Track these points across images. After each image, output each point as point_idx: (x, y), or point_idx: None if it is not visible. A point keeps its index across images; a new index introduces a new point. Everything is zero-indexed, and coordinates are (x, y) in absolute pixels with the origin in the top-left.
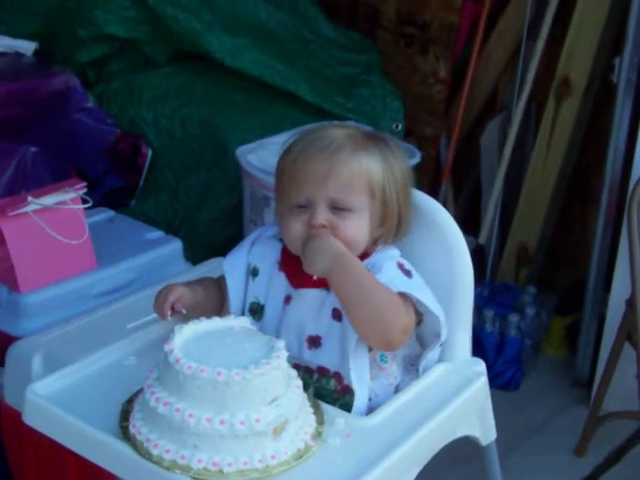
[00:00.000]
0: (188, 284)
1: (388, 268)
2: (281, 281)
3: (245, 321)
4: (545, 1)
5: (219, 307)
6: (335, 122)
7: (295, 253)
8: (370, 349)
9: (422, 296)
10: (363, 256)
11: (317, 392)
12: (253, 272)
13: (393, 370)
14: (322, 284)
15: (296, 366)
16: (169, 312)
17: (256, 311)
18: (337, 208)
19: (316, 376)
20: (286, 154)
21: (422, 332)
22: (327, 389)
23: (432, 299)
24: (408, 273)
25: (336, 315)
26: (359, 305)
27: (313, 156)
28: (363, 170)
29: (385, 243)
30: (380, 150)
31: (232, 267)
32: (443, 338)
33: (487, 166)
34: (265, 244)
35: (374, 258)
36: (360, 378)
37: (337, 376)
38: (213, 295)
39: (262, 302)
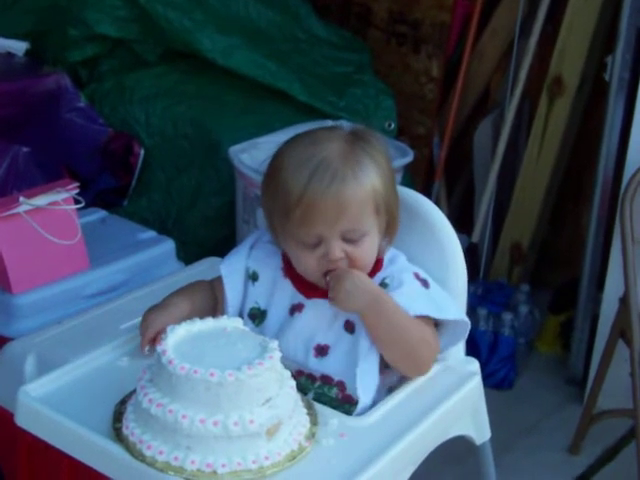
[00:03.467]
0: (169, 304)
1: (409, 283)
2: (287, 288)
3: (238, 322)
4: None
5: (211, 311)
6: (317, 127)
7: (312, 282)
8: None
9: (443, 311)
10: (376, 268)
11: (317, 398)
12: (253, 277)
13: (392, 373)
14: None
15: (299, 372)
16: (147, 348)
17: (256, 316)
18: (350, 237)
19: (318, 383)
20: (284, 189)
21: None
22: (328, 396)
23: (449, 304)
24: (425, 283)
25: (348, 327)
26: (393, 343)
27: (319, 195)
28: (369, 194)
29: (389, 243)
30: (369, 154)
31: (230, 271)
32: (466, 334)
33: (480, 164)
34: (264, 249)
35: (389, 271)
36: (366, 386)
37: (340, 385)
38: (203, 302)
39: (263, 307)
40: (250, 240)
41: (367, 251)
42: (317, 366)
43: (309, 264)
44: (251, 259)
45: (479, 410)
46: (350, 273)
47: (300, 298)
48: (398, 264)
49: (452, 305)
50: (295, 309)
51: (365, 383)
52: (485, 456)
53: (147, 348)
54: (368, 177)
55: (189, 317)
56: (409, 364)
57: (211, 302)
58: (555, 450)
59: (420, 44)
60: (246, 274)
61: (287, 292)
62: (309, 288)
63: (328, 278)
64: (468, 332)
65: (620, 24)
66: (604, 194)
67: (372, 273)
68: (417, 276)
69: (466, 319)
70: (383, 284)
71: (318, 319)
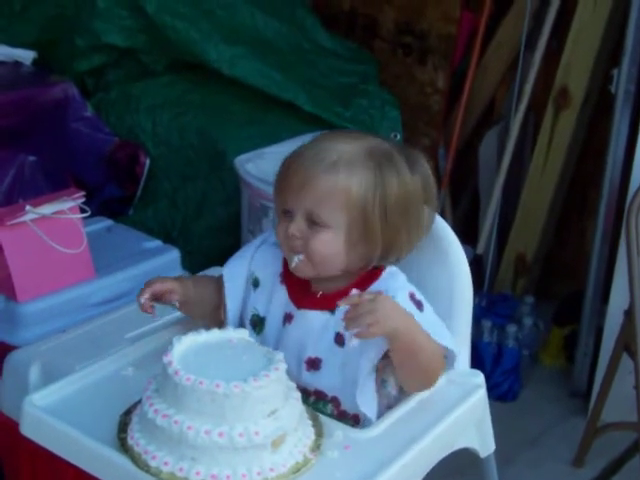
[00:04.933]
0: (179, 278)
1: (401, 302)
2: (282, 296)
3: (244, 333)
4: (543, 12)
5: (215, 305)
6: (354, 131)
7: (305, 286)
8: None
9: (433, 333)
10: (372, 277)
11: None
12: (254, 282)
13: (389, 391)
14: (326, 306)
15: None
16: (145, 301)
17: (256, 324)
18: (313, 221)
19: (313, 399)
20: (285, 158)
21: None
22: (324, 412)
23: (441, 330)
24: (419, 305)
25: (339, 340)
26: (414, 363)
27: (297, 166)
28: (340, 186)
29: (385, 263)
30: (378, 168)
31: (232, 275)
32: (455, 365)
33: (485, 176)
34: (267, 252)
35: (383, 283)
36: (368, 404)
37: (334, 401)
38: (207, 293)
39: (262, 315)
40: (256, 242)
41: (323, 244)
42: (310, 380)
43: (279, 235)
44: (254, 263)
45: (484, 422)
46: (384, 298)
47: (291, 307)
48: (396, 281)
49: (443, 332)
50: (286, 319)
51: (366, 402)
52: (489, 469)
53: (144, 298)
54: (349, 176)
55: (195, 300)
56: (419, 382)
57: (216, 296)
58: (559, 463)
59: (426, 55)
60: (248, 279)
61: (282, 300)
62: (301, 296)
63: (344, 319)
64: (452, 364)
65: (626, 37)
66: (609, 206)
67: (369, 282)
68: (412, 297)
69: (454, 349)
70: None
71: (307, 331)
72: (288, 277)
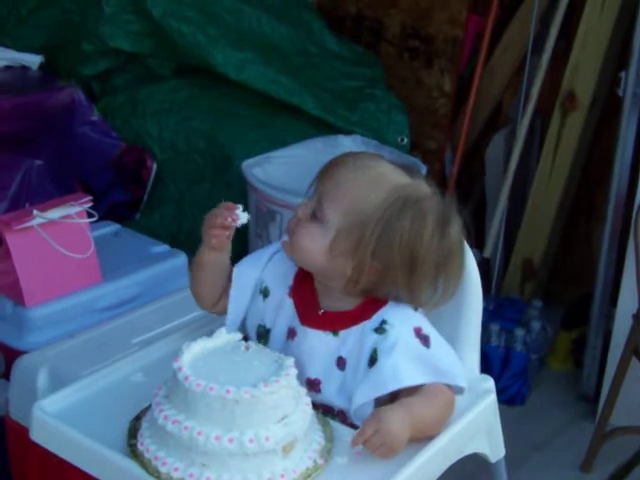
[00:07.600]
0: None
1: (405, 342)
2: (289, 309)
3: (237, 336)
4: (550, 14)
5: (219, 295)
6: (408, 166)
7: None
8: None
9: (440, 375)
10: (378, 302)
11: None
12: (264, 292)
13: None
14: (328, 326)
15: None
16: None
17: (262, 335)
18: (315, 213)
19: (320, 411)
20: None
21: None
22: None
23: (451, 364)
24: (426, 340)
25: (340, 364)
26: (424, 436)
27: (339, 165)
28: (353, 191)
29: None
30: (398, 208)
31: (241, 279)
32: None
33: (492, 180)
34: (281, 263)
35: (388, 312)
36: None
37: (341, 414)
38: (224, 275)
39: (268, 326)
40: (272, 249)
41: (308, 235)
42: (313, 399)
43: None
44: (266, 272)
45: (494, 428)
46: (379, 430)
47: (296, 323)
48: (401, 310)
49: (454, 365)
50: (290, 334)
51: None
52: (499, 474)
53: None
54: (370, 191)
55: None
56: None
57: (223, 285)
58: (567, 468)
59: (433, 59)
60: (257, 288)
61: (288, 313)
62: (306, 312)
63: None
64: (461, 393)
65: (634, 39)
66: (617, 210)
67: (373, 309)
68: (418, 332)
69: (463, 385)
70: (380, 329)
71: (308, 351)
72: (297, 291)
